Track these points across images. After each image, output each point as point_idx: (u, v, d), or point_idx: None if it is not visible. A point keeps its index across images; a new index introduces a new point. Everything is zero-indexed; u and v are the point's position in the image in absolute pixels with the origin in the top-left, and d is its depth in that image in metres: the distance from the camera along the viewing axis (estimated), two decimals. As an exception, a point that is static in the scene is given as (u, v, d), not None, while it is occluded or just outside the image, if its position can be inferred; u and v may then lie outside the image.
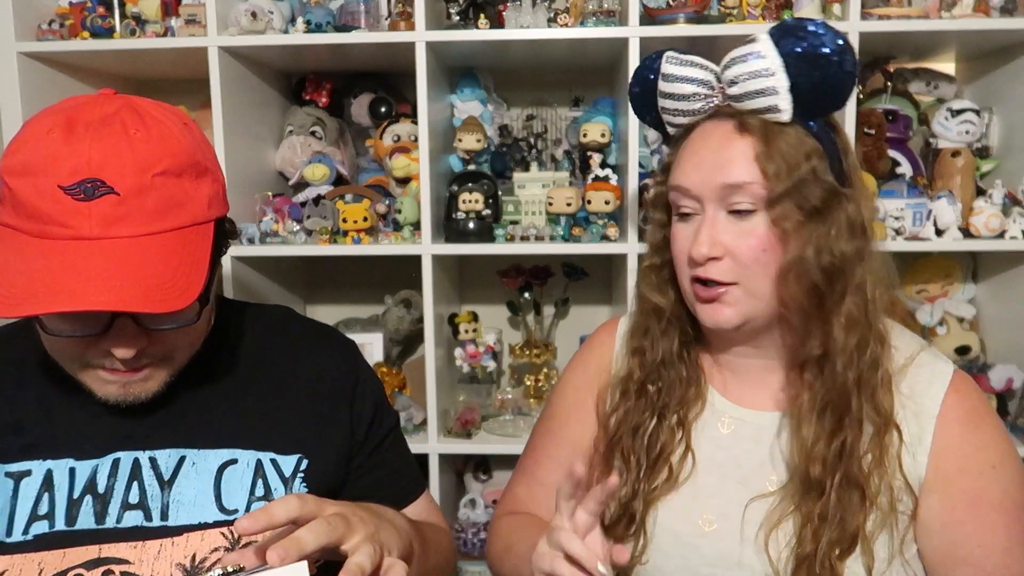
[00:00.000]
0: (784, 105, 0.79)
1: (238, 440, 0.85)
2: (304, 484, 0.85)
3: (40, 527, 0.77)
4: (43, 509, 0.78)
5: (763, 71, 0.79)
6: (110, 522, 0.79)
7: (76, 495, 0.79)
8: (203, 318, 0.80)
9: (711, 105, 0.85)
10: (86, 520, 0.78)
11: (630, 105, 0.96)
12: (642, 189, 1.53)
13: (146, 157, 0.72)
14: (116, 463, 0.81)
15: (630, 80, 0.93)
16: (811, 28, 0.77)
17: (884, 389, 0.82)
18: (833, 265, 0.79)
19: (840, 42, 0.77)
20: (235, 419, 0.86)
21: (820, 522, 0.80)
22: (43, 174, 0.70)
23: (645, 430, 0.91)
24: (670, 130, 0.91)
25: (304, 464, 0.86)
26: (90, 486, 0.80)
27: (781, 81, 0.79)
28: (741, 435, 0.88)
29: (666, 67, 0.86)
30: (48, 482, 0.79)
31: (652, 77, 0.89)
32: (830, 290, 0.80)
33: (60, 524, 0.78)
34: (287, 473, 0.85)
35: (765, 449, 0.86)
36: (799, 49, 0.77)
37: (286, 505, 0.67)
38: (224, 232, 0.83)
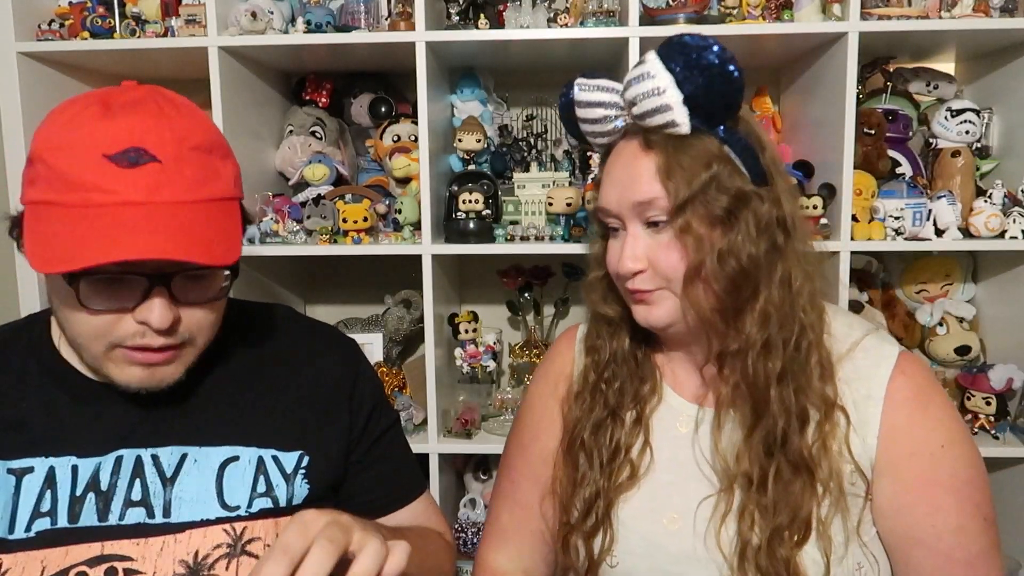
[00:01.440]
0: (681, 119, 0.81)
1: (239, 437, 0.85)
2: (306, 481, 0.86)
3: (42, 524, 0.77)
4: (45, 506, 0.78)
5: (655, 90, 0.81)
6: (113, 519, 0.79)
7: (79, 492, 0.79)
8: (225, 298, 0.81)
9: (623, 124, 0.87)
10: (89, 517, 0.78)
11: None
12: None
13: (181, 131, 0.75)
14: (119, 460, 0.81)
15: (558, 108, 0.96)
16: (691, 42, 0.80)
17: (823, 377, 0.84)
18: (740, 268, 0.81)
19: (718, 51, 0.79)
20: (236, 416, 0.86)
21: (761, 513, 0.81)
22: (85, 146, 0.71)
23: (605, 427, 0.93)
24: (598, 151, 0.94)
25: (305, 461, 0.86)
26: (93, 483, 0.79)
27: (673, 97, 0.80)
28: (698, 432, 0.90)
29: (577, 94, 0.89)
30: (51, 479, 0.79)
31: (571, 104, 0.91)
32: (737, 291, 0.82)
33: (63, 521, 0.78)
34: (288, 470, 0.85)
35: (714, 444, 0.87)
36: (683, 63, 0.80)
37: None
38: (245, 215, 0.84)
